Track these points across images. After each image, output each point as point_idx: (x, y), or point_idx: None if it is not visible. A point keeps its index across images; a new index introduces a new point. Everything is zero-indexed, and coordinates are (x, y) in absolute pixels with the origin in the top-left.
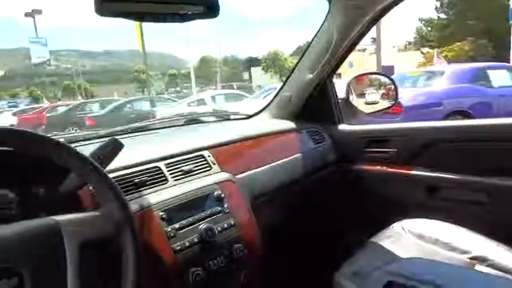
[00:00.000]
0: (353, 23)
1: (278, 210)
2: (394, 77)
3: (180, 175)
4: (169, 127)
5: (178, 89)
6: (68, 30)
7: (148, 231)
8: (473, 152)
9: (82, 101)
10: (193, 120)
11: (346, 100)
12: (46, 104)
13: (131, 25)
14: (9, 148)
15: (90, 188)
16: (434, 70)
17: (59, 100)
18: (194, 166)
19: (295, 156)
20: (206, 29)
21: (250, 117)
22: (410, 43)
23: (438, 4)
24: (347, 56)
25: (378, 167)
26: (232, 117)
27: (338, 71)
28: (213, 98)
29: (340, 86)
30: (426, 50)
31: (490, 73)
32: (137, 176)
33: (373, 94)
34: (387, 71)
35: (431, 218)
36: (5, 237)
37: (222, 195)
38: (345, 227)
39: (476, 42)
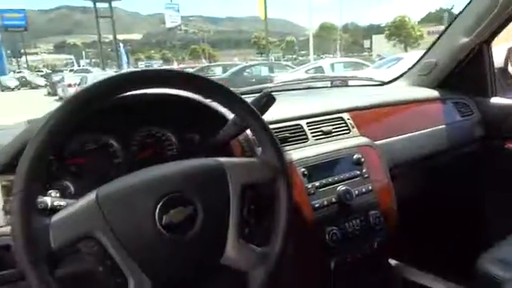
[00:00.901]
0: None
1: (414, 183)
2: None
3: (320, 135)
4: (304, 89)
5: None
6: None
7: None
8: None
9: (206, 64)
10: (325, 84)
11: (504, 70)
12: (175, 66)
13: None
14: (172, 88)
15: (241, 139)
16: None
17: (185, 62)
18: (333, 127)
19: (438, 127)
20: None
21: (385, 83)
22: None
23: None
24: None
25: None
26: (365, 82)
27: None
28: (331, 65)
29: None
30: None
31: None
32: (280, 131)
33: None
34: None
35: None
36: (178, 169)
37: (362, 159)
38: (487, 211)
39: None
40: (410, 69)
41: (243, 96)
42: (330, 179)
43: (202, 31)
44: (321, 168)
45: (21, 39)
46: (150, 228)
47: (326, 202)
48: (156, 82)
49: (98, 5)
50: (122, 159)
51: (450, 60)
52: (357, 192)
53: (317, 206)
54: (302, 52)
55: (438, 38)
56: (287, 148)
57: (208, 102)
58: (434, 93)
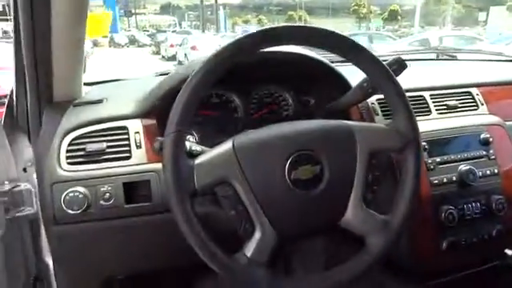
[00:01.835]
0: None
1: None
2: None
3: (444, 109)
4: (421, 60)
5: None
6: None
7: None
8: None
9: None
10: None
11: None
12: None
13: None
14: (310, 46)
15: (360, 106)
16: None
17: None
18: (460, 102)
19: None
20: None
21: None
22: None
23: None
24: None
25: None
26: (494, 57)
27: None
28: (440, 39)
29: None
30: None
31: None
32: None
33: None
34: None
35: None
36: (310, 127)
37: (490, 139)
38: None
39: None
40: None
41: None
42: (452, 156)
43: None
44: (443, 144)
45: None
46: (280, 180)
47: (445, 180)
48: (298, 38)
49: None
50: (240, 115)
51: None
52: (481, 173)
53: (435, 182)
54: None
55: None
56: None
57: (333, 65)
58: None
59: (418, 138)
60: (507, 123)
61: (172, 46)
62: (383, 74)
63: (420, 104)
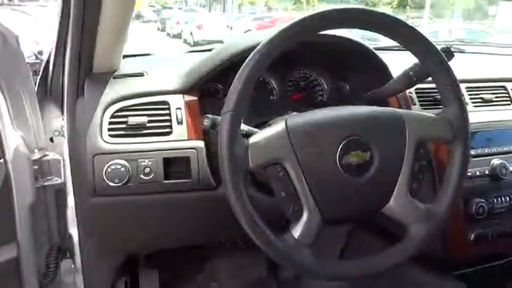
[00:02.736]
0: None
1: None
2: None
3: (479, 102)
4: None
5: (405, 17)
6: None
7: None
8: None
9: None
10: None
11: None
12: (278, 14)
13: None
14: (371, 30)
15: (398, 95)
16: None
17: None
18: (495, 96)
19: None
20: None
21: None
22: None
23: None
24: None
25: None
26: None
27: None
28: (450, 31)
29: None
30: None
31: None
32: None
33: None
34: None
35: None
36: (362, 113)
37: None
38: None
39: None
40: None
41: None
42: (486, 150)
43: None
44: (477, 137)
45: None
46: (331, 164)
47: (478, 173)
48: (360, 21)
49: None
50: (276, 97)
51: None
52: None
53: (468, 174)
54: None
55: None
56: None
57: (376, 52)
58: None
59: (468, 130)
60: None
61: (178, 23)
62: (439, 62)
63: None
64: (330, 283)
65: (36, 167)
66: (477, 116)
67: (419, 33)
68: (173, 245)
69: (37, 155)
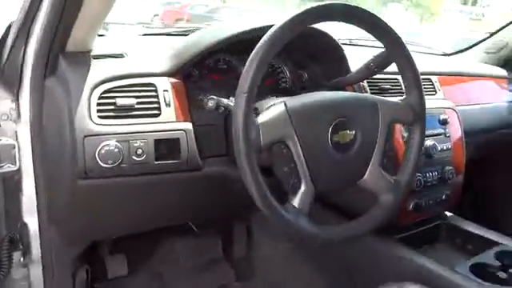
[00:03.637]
0: None
1: (477, 150)
2: None
3: None
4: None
5: None
6: None
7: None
8: None
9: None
10: None
11: None
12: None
13: None
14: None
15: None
16: None
17: None
18: (424, 87)
19: (503, 104)
20: None
21: (447, 54)
22: None
23: None
24: None
25: None
26: (426, 50)
27: None
28: (348, 30)
29: None
30: None
31: None
32: (381, 83)
33: None
34: None
35: None
36: (348, 98)
37: (448, 120)
38: (507, 198)
39: None
40: (474, 45)
41: None
42: None
43: None
44: None
45: None
46: (324, 143)
47: None
48: (354, 17)
49: None
50: None
51: None
52: (439, 148)
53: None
54: None
55: None
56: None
57: (341, 45)
58: (501, 71)
59: (425, 115)
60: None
61: None
62: (405, 56)
63: (397, 85)
64: (279, 262)
65: None
66: None
67: (393, 30)
68: (152, 226)
69: None
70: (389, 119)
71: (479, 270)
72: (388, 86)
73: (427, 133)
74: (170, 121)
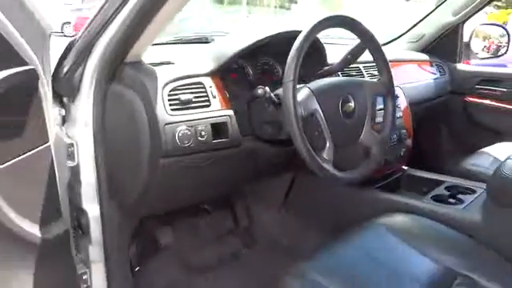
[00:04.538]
0: None
1: (417, 118)
2: None
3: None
4: None
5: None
6: None
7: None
8: None
9: None
10: None
11: (467, 44)
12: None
13: None
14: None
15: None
16: None
17: None
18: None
19: (425, 81)
20: None
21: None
22: None
23: None
24: (490, 2)
25: (487, 101)
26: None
27: None
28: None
29: None
30: (489, 9)
31: None
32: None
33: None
34: None
35: None
36: (348, 81)
37: (398, 95)
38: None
39: None
40: (399, 36)
41: None
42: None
43: None
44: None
45: None
46: (337, 113)
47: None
48: (342, 24)
49: None
50: (252, 78)
51: (436, 32)
52: (397, 115)
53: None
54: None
55: (428, 14)
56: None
57: (323, 45)
58: (423, 56)
59: (393, 89)
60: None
61: None
62: (377, 47)
63: (360, 73)
64: (275, 227)
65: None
66: None
67: (366, 28)
68: (204, 197)
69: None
70: (372, 93)
71: (436, 199)
72: (354, 73)
73: None
74: (218, 109)
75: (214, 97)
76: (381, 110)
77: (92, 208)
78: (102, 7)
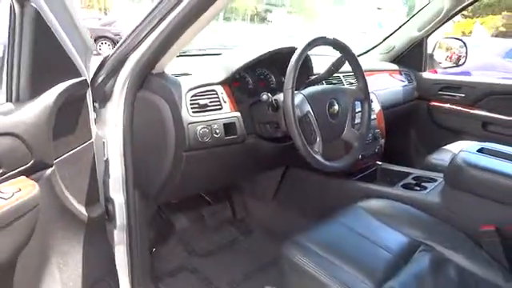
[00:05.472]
0: None
1: (388, 120)
2: None
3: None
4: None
5: None
6: None
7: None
8: None
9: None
10: None
11: (431, 55)
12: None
13: None
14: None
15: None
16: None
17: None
18: (353, 79)
19: (395, 88)
20: None
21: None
22: None
23: None
24: (451, 19)
25: (448, 105)
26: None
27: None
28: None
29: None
30: (457, 19)
31: None
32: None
33: (440, 55)
34: None
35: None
36: (333, 88)
37: (373, 101)
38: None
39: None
40: (372, 48)
41: None
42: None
43: None
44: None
45: None
46: (325, 114)
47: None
48: (328, 43)
49: None
50: (251, 86)
51: (404, 45)
52: (371, 117)
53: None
54: None
55: (398, 28)
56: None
57: (310, 58)
58: (393, 66)
59: (369, 94)
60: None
61: None
62: (356, 61)
63: (339, 81)
64: (267, 217)
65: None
66: None
67: (346, 45)
68: (219, 185)
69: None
70: (352, 98)
71: (405, 187)
72: (335, 82)
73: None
74: (228, 111)
75: (225, 101)
76: (359, 112)
77: (118, 197)
78: (134, 30)
